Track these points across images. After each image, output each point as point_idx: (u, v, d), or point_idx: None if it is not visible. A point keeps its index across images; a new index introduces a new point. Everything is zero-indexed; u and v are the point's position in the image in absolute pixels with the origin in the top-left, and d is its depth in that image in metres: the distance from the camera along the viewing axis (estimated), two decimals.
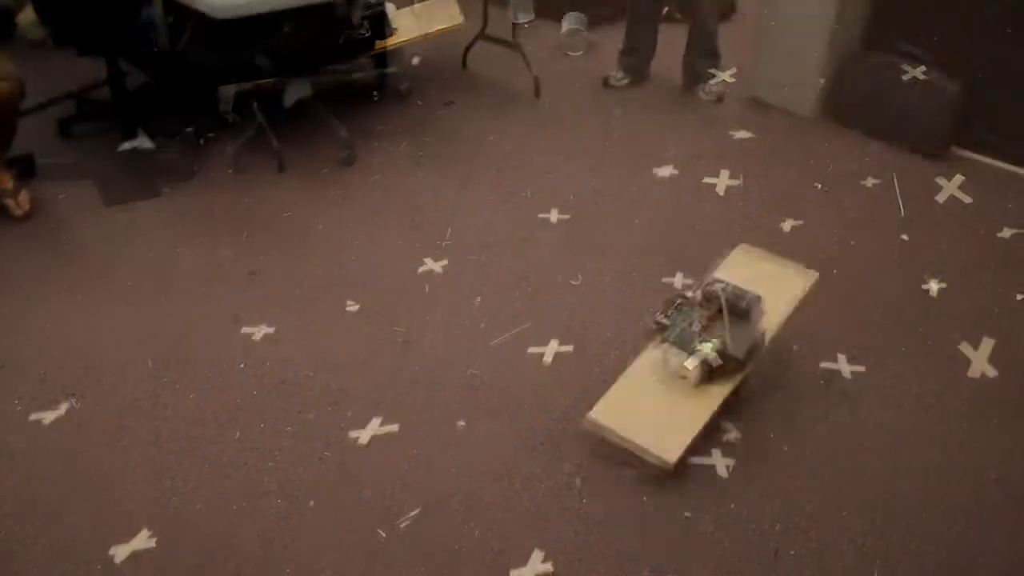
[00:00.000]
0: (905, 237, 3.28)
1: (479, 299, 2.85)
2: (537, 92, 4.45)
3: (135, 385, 2.45)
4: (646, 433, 2.15)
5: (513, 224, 3.30)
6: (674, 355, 2.26)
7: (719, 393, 2.25)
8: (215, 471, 2.18)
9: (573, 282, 2.95)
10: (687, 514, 2.09)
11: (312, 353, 2.59)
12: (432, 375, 2.52)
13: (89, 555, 1.95)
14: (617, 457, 2.24)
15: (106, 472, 2.17)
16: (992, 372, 2.53)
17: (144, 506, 2.08)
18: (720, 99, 4.47)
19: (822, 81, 4.20)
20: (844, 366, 2.59)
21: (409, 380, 2.50)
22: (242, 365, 2.53)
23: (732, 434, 2.33)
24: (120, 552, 1.96)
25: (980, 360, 2.57)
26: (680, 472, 2.20)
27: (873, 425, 2.39)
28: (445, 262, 3.04)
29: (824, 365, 2.60)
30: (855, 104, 4.15)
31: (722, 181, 3.68)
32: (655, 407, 2.25)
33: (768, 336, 2.35)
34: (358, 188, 3.52)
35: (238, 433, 2.30)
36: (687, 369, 2.22)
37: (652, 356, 2.35)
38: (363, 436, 2.30)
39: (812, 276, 2.55)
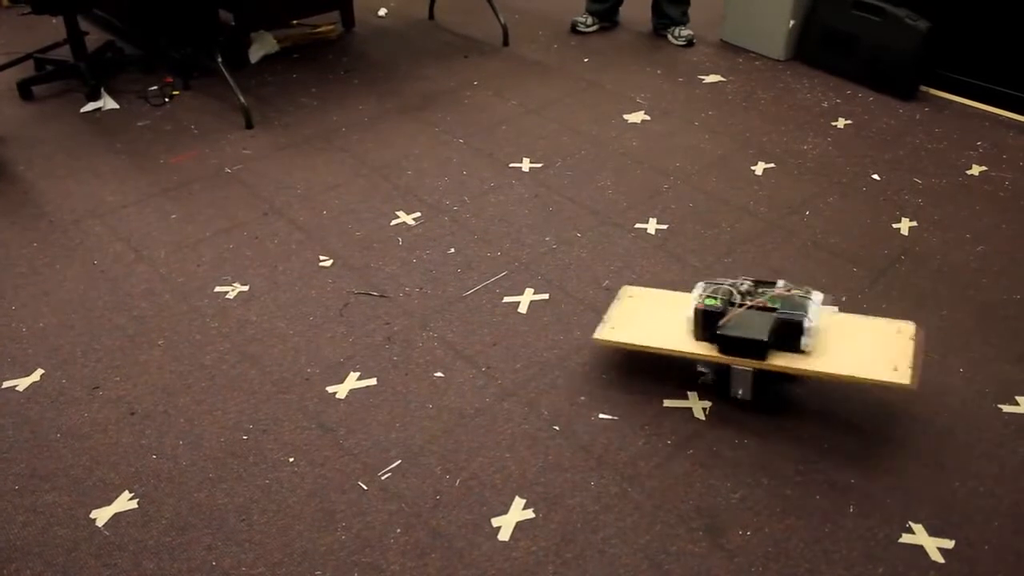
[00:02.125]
0: (876, 176, 3.30)
1: (453, 250, 2.84)
2: (506, 40, 4.41)
3: (108, 348, 2.43)
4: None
5: (485, 174, 3.28)
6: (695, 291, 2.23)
7: (684, 346, 2.23)
8: (193, 430, 2.17)
9: (547, 231, 2.95)
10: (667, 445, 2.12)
11: (287, 309, 2.58)
12: (408, 327, 2.51)
13: (71, 519, 1.94)
14: (594, 404, 2.26)
15: (84, 436, 2.15)
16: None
17: (123, 468, 2.07)
18: (690, 43, 4.45)
19: (792, 23, 4.19)
20: None
21: (385, 333, 2.49)
22: (216, 324, 2.52)
23: (708, 376, 2.35)
24: (102, 515, 1.96)
25: None
26: (658, 415, 2.22)
27: None
28: (418, 214, 3.03)
29: None
30: (825, 45, 4.14)
31: (694, 127, 3.67)
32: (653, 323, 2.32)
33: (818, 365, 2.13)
34: (328, 143, 3.48)
35: (214, 393, 2.29)
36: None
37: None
38: (340, 391, 2.29)
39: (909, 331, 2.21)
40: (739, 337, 2.11)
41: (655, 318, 2.35)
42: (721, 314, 2.13)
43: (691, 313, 2.18)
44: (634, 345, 2.29)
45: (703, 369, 2.28)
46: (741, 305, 2.14)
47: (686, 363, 2.39)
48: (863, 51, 3.97)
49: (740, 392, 2.22)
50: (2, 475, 2.05)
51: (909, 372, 2.05)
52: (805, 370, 2.12)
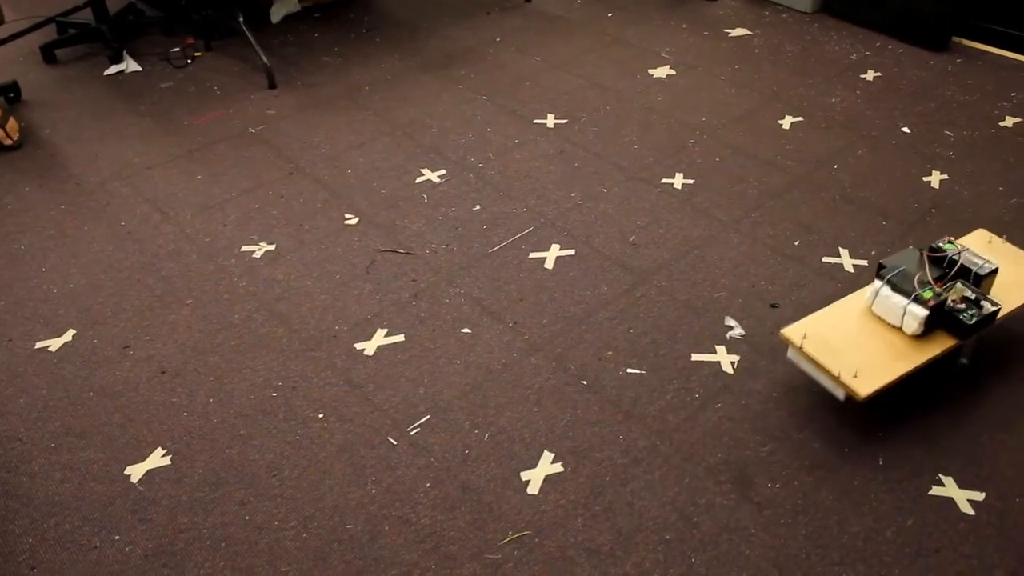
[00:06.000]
0: (906, 129, 3.25)
1: (478, 207, 2.83)
2: None
3: (138, 308, 2.45)
4: (841, 362, 2.00)
5: (509, 131, 3.26)
6: (893, 298, 2.06)
7: (930, 350, 2.03)
8: (223, 388, 2.19)
9: (572, 187, 2.93)
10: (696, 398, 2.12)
11: (313, 268, 2.58)
12: (435, 283, 2.51)
13: (106, 475, 1.97)
14: (622, 358, 2.25)
15: (116, 394, 2.18)
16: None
17: (156, 426, 2.09)
18: None
19: None
20: (846, 260, 2.59)
21: (412, 290, 2.49)
22: (244, 283, 2.53)
23: (736, 330, 2.34)
24: (136, 471, 1.98)
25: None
26: (686, 369, 2.22)
27: None
28: (443, 171, 3.02)
29: (826, 259, 2.59)
30: None
31: (720, 81, 3.62)
32: (858, 340, 2.07)
33: (1000, 314, 2.07)
34: (352, 102, 3.47)
35: (243, 351, 2.30)
36: (911, 314, 2.02)
37: (863, 294, 2.18)
38: (368, 347, 2.30)
39: None
40: (985, 316, 2.03)
41: (859, 339, 2.09)
42: (943, 303, 2.04)
43: (920, 316, 2.01)
44: (902, 375, 2.00)
45: (964, 360, 2.24)
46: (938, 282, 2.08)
47: (714, 316, 2.38)
48: (893, 1, 3.89)
49: (965, 360, 2.23)
50: (39, 433, 2.08)
51: None
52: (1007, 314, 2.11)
